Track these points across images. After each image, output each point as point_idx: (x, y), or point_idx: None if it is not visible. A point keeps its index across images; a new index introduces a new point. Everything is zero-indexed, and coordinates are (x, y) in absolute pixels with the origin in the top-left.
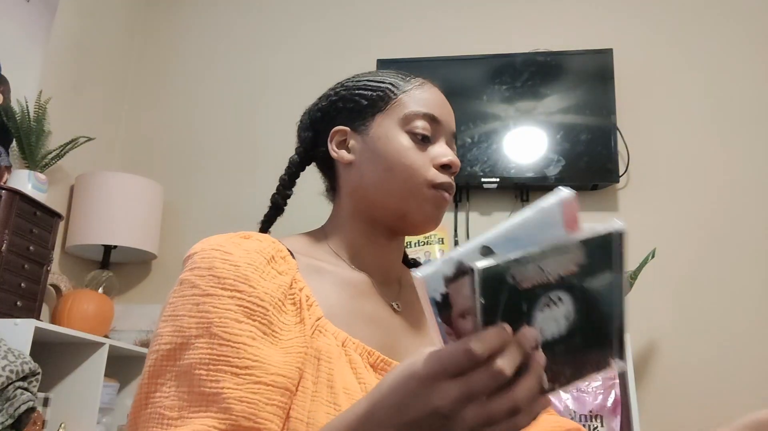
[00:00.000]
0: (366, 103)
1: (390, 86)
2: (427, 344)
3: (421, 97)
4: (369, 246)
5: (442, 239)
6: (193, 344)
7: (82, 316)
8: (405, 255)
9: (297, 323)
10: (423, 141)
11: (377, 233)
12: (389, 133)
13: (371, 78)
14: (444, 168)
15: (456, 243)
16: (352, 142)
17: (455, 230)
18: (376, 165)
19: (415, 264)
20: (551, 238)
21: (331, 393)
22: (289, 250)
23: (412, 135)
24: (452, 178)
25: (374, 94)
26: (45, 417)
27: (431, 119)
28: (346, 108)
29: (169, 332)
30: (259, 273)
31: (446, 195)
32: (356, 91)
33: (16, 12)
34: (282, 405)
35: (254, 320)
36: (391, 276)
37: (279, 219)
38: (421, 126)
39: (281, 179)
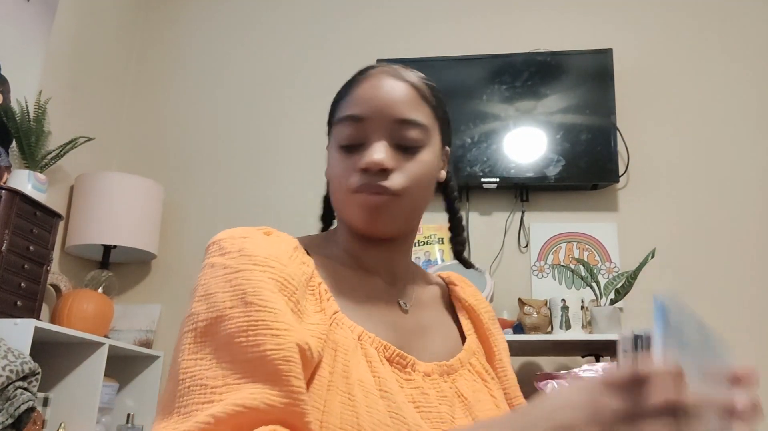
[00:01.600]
0: (329, 118)
1: (338, 94)
2: (435, 344)
3: (352, 99)
4: (366, 249)
5: (442, 239)
6: (228, 315)
7: (81, 316)
8: (459, 253)
9: (317, 312)
10: (351, 147)
11: (361, 239)
12: (331, 146)
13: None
14: (366, 170)
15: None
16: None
17: None
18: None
19: (466, 263)
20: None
21: (347, 383)
22: (303, 245)
23: (340, 146)
24: (378, 176)
25: (332, 106)
26: (45, 416)
27: (354, 120)
28: (328, 122)
29: (203, 309)
30: (286, 258)
31: (367, 197)
32: (331, 105)
33: (16, 12)
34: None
35: (285, 295)
36: (398, 276)
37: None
38: (344, 134)
39: None
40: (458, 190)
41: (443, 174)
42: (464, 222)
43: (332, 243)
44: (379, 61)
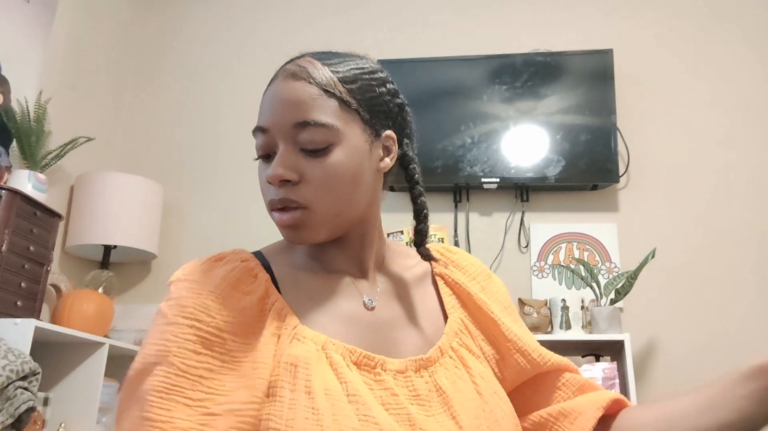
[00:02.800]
0: None
1: None
2: (411, 336)
3: (259, 109)
4: (325, 251)
5: (442, 239)
6: (151, 371)
7: (82, 316)
8: (422, 241)
9: (269, 338)
10: (267, 158)
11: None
12: None
13: None
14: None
15: (456, 243)
16: None
17: (455, 230)
18: None
19: (426, 256)
20: None
21: (309, 398)
22: (265, 262)
23: (257, 158)
24: (285, 189)
25: None
26: (45, 416)
27: (261, 132)
28: None
29: (137, 359)
30: (220, 301)
31: (280, 216)
32: None
33: (16, 12)
34: (238, 428)
35: (212, 350)
36: (367, 268)
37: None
38: (257, 146)
39: None
40: (456, 194)
41: (387, 162)
42: (464, 224)
43: (297, 250)
44: (379, 61)
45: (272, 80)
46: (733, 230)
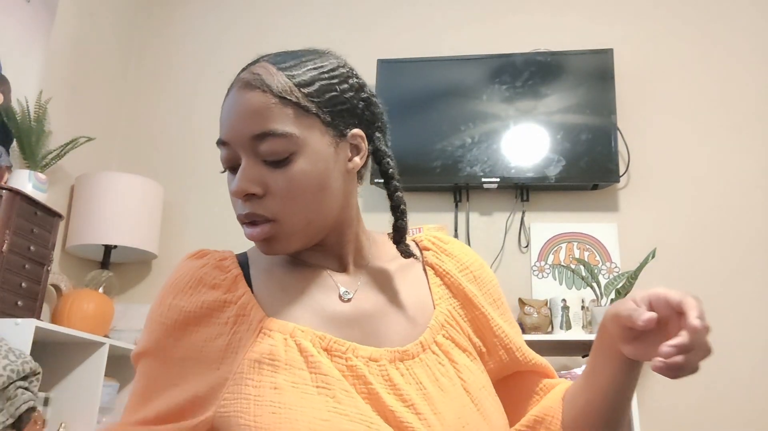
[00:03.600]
0: None
1: None
2: (392, 328)
3: (220, 121)
4: (311, 247)
5: None
6: (142, 357)
7: (82, 316)
8: (401, 238)
9: (231, 332)
10: (233, 172)
11: None
12: None
13: None
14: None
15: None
16: None
17: (455, 230)
18: None
19: (405, 253)
20: None
21: (276, 393)
22: (245, 260)
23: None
24: (251, 202)
25: None
26: (45, 416)
27: (223, 145)
28: None
29: (138, 343)
30: (185, 297)
31: (250, 230)
32: None
33: (16, 12)
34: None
35: (179, 341)
36: (347, 262)
37: None
38: (221, 159)
39: None
40: (456, 194)
41: (356, 162)
42: (464, 224)
43: None
44: (379, 61)
45: (229, 90)
46: (733, 230)
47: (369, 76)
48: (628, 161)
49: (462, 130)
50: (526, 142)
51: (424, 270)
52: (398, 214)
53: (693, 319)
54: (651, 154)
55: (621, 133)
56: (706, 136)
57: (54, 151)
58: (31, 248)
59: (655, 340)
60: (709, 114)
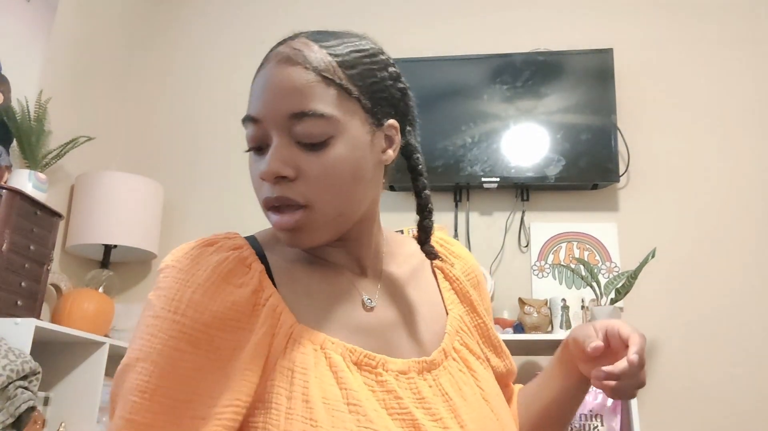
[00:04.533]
0: None
1: None
2: (414, 335)
3: (250, 96)
4: (323, 247)
5: None
6: (134, 367)
7: (82, 316)
8: (427, 239)
9: (262, 338)
10: (258, 152)
11: None
12: None
13: None
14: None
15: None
16: None
17: (455, 230)
18: None
19: (430, 254)
20: None
21: (307, 407)
22: (260, 250)
23: (248, 150)
24: (281, 186)
25: None
26: (45, 416)
27: (251, 122)
28: None
29: (126, 354)
30: (209, 296)
31: (278, 219)
32: None
33: (16, 12)
34: None
35: (199, 349)
36: (366, 265)
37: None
38: (248, 137)
39: None
40: (456, 194)
41: (389, 154)
42: (464, 224)
43: None
44: None
45: (263, 64)
46: (733, 229)
47: None
48: (628, 161)
49: (462, 130)
50: (526, 141)
51: (434, 273)
52: (425, 213)
53: (631, 354)
54: (651, 154)
55: (621, 133)
56: (706, 136)
57: (54, 150)
58: (31, 248)
59: (605, 363)
60: (709, 114)
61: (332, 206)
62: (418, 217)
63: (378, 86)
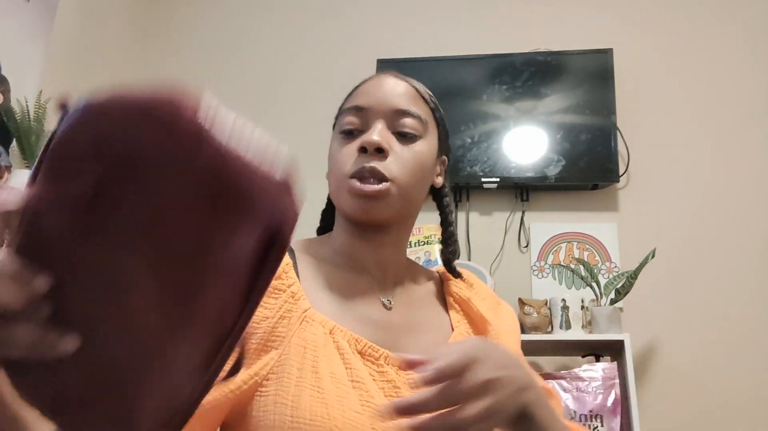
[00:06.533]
0: (335, 120)
1: (345, 99)
2: (420, 343)
3: (354, 95)
4: (357, 246)
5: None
6: None
7: None
8: (448, 262)
9: (276, 315)
10: (351, 135)
11: (353, 232)
12: (333, 143)
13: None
14: (363, 152)
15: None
16: None
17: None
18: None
19: (454, 272)
20: None
21: (316, 378)
22: (291, 249)
23: (341, 134)
24: (375, 157)
25: (338, 110)
26: None
27: (356, 110)
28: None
29: None
30: None
31: (362, 186)
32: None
33: (16, 12)
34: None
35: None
36: (388, 275)
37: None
38: (345, 122)
39: None
40: (456, 194)
41: (439, 180)
42: (464, 224)
43: (326, 245)
44: (379, 61)
45: (369, 78)
46: (733, 230)
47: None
48: (628, 161)
49: (462, 130)
50: (525, 141)
51: (444, 298)
52: (450, 240)
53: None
54: (651, 154)
55: (621, 133)
56: (706, 136)
57: None
58: None
59: None
60: (709, 114)
61: (408, 189)
62: (442, 243)
63: (445, 124)
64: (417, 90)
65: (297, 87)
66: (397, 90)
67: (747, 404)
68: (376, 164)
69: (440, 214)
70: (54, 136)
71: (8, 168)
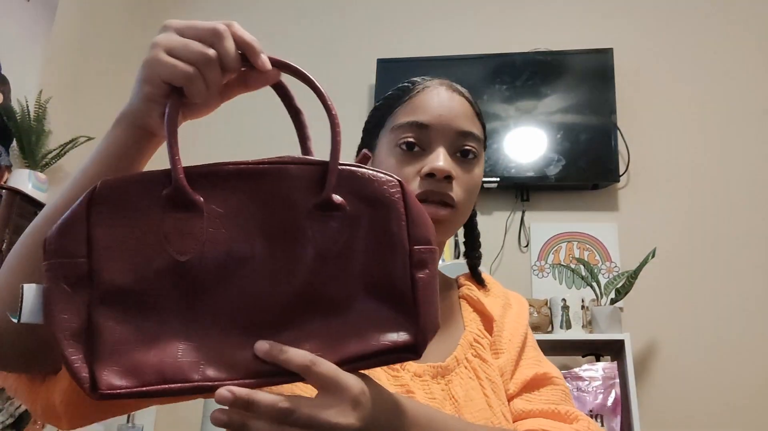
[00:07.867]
0: (373, 122)
1: (390, 99)
2: (432, 346)
3: (413, 106)
4: None
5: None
6: None
7: None
8: (474, 267)
9: None
10: (411, 152)
11: None
12: (384, 150)
13: (388, 92)
14: (429, 176)
15: (456, 243)
16: (372, 164)
17: None
18: None
19: (479, 278)
20: None
21: None
22: None
23: (399, 149)
24: (442, 184)
25: (378, 112)
26: None
27: (418, 127)
28: (367, 128)
29: None
30: None
31: (435, 210)
32: (373, 110)
33: (16, 12)
34: None
35: None
36: None
37: None
38: (405, 137)
39: None
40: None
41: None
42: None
43: None
44: (379, 61)
45: (426, 85)
46: (733, 229)
47: (369, 76)
48: (628, 161)
49: None
50: (526, 141)
51: (458, 301)
52: (475, 245)
53: None
54: (651, 154)
55: (621, 133)
56: (706, 136)
57: (54, 150)
58: None
59: None
60: (709, 113)
61: (466, 211)
62: (467, 249)
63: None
64: (473, 107)
65: (296, 86)
66: (460, 109)
67: (747, 404)
68: (446, 189)
69: (468, 221)
70: None
71: (8, 168)
